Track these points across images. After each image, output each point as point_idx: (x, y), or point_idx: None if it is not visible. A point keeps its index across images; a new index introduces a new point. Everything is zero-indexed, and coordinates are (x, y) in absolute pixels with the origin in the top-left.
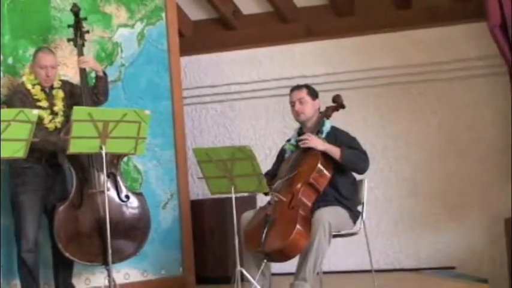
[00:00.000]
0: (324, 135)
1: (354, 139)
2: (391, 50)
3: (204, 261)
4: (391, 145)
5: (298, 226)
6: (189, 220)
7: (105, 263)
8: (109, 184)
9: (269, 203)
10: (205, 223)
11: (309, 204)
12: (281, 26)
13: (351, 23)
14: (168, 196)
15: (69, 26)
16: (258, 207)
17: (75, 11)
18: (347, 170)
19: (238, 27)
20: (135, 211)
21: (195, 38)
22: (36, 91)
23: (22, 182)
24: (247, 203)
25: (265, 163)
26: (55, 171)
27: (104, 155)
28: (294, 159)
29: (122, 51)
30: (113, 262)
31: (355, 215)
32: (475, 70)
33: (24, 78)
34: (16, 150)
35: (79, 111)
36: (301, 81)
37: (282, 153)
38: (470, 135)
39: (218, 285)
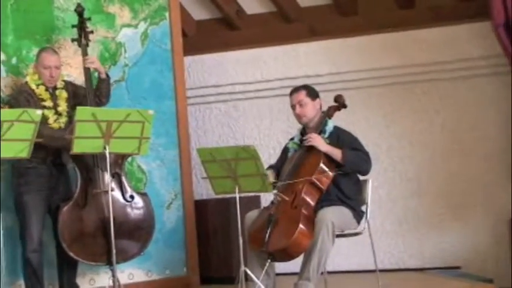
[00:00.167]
0: (326, 135)
1: (356, 139)
2: (394, 50)
3: (208, 261)
4: (395, 145)
5: (301, 225)
6: (193, 220)
7: (109, 263)
8: (114, 184)
9: (272, 202)
10: (210, 223)
11: (312, 203)
12: (285, 26)
13: (354, 23)
14: (172, 196)
15: (73, 26)
16: (262, 207)
17: (79, 11)
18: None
19: (242, 27)
20: (140, 211)
21: (198, 38)
22: (41, 91)
23: (26, 182)
24: (252, 203)
25: (270, 163)
26: (59, 171)
27: (107, 155)
28: (296, 159)
29: (125, 51)
30: (117, 262)
31: (359, 215)
32: (479, 70)
33: (28, 78)
34: (20, 150)
35: (82, 112)
36: (305, 81)
37: (285, 151)
38: (473, 134)
39: (222, 285)
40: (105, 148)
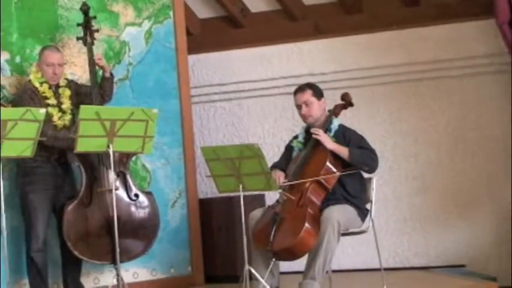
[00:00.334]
0: (332, 134)
1: (362, 138)
2: (399, 48)
3: (213, 260)
4: (400, 143)
5: (306, 224)
6: (197, 219)
7: (114, 261)
8: (119, 183)
9: (278, 201)
10: (214, 222)
11: (318, 202)
12: (289, 24)
13: (359, 21)
14: (176, 195)
15: (78, 25)
16: (266, 205)
17: (85, 9)
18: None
19: (246, 25)
20: (145, 210)
21: (202, 36)
22: (44, 89)
23: (31, 181)
24: (256, 201)
25: (274, 161)
26: (64, 169)
27: (111, 153)
28: (302, 158)
29: (129, 49)
30: (122, 261)
31: (363, 213)
32: (484, 67)
33: (31, 77)
34: (23, 149)
35: (86, 110)
36: (310, 79)
37: (288, 149)
38: (479, 132)
39: (227, 284)
40: (108, 147)
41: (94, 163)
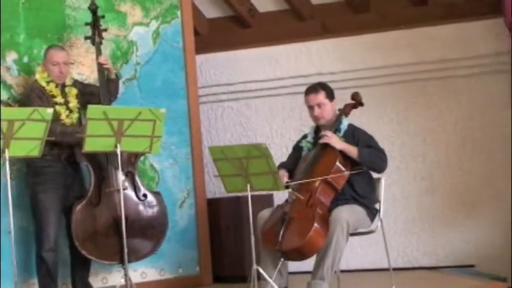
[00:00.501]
0: (341, 134)
1: (371, 138)
2: (407, 47)
3: (221, 259)
4: (408, 142)
5: (316, 224)
6: (205, 218)
7: (122, 261)
8: (127, 183)
9: (287, 201)
10: (222, 221)
11: (327, 202)
12: (297, 24)
13: (366, 20)
14: (184, 195)
15: (86, 24)
16: (275, 205)
17: (93, 9)
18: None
19: (254, 25)
20: (153, 210)
21: (210, 36)
22: (51, 88)
23: (42, 181)
24: (264, 201)
25: (282, 161)
26: (73, 169)
27: (118, 153)
28: (312, 157)
29: (137, 49)
30: (130, 261)
31: (372, 213)
32: (491, 67)
33: (37, 76)
34: (31, 149)
35: (93, 110)
36: (318, 79)
37: (297, 149)
38: (487, 132)
39: (235, 284)
40: (116, 147)
41: (102, 163)
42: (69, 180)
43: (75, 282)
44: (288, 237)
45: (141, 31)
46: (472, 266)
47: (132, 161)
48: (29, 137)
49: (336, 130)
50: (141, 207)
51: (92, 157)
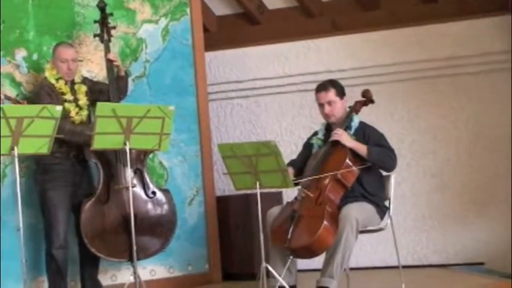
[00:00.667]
0: (352, 132)
1: (382, 136)
2: (417, 44)
3: (230, 257)
4: (418, 140)
5: (325, 222)
6: (214, 216)
7: (131, 259)
8: (136, 180)
9: (296, 198)
10: (231, 219)
11: (336, 200)
12: (306, 21)
13: (376, 17)
14: (193, 192)
15: (95, 22)
16: (284, 202)
17: (102, 6)
18: (374, 167)
19: (263, 22)
20: (162, 207)
21: (219, 33)
22: (61, 85)
23: (51, 179)
24: (274, 198)
25: (291, 158)
26: (82, 167)
27: (127, 151)
28: (321, 155)
29: (146, 47)
30: (139, 258)
31: (382, 211)
32: (502, 64)
33: (46, 74)
34: (40, 146)
35: (102, 107)
36: (327, 76)
37: (307, 146)
38: (497, 130)
39: (244, 282)
40: (125, 144)
41: (111, 160)
42: (77, 178)
43: (84, 279)
44: (297, 234)
45: (150, 28)
46: (481, 263)
47: (141, 158)
48: (38, 135)
49: (347, 127)
50: (150, 204)
51: (101, 154)
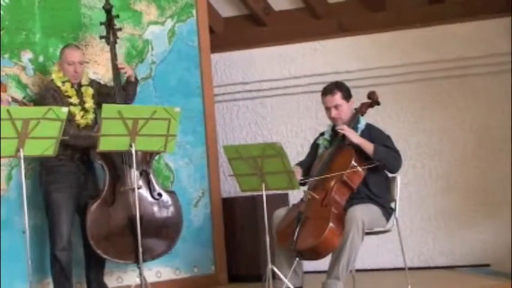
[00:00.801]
0: (358, 133)
1: (388, 137)
2: (423, 45)
3: (236, 259)
4: (425, 141)
5: (331, 224)
6: (220, 218)
7: (137, 261)
8: (141, 182)
9: (302, 200)
10: (237, 221)
11: (342, 202)
12: (313, 22)
13: (383, 18)
14: (199, 194)
15: (101, 24)
16: (290, 204)
17: (108, 8)
18: (379, 168)
19: (270, 23)
20: (168, 209)
21: (226, 35)
22: (67, 88)
23: (55, 180)
24: (279, 200)
25: (297, 160)
26: (87, 168)
27: (133, 152)
28: (327, 157)
29: (152, 48)
30: (145, 260)
31: (387, 212)
32: (510, 65)
33: (53, 76)
34: (46, 148)
35: (108, 109)
36: (334, 78)
37: (315, 147)
38: (504, 131)
39: (250, 284)
40: (131, 146)
41: (117, 162)
42: (82, 180)
43: (90, 281)
44: (303, 236)
45: (156, 30)
46: (488, 265)
47: (147, 159)
48: (44, 136)
49: (353, 129)
50: (155, 206)
51: (107, 156)
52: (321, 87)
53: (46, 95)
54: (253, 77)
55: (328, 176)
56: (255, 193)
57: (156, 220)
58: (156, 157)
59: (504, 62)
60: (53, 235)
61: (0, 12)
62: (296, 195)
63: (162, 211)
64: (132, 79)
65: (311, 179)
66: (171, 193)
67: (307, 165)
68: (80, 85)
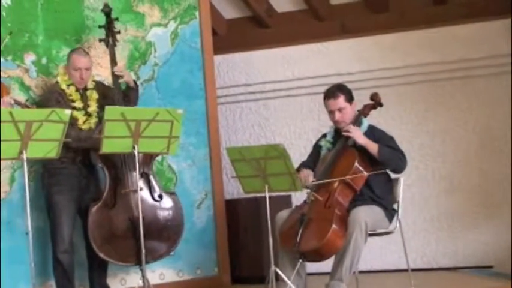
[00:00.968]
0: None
1: (391, 138)
2: (426, 47)
3: (239, 261)
4: (428, 142)
5: (334, 225)
6: (223, 219)
7: (138, 263)
8: (142, 184)
9: (305, 201)
10: (240, 222)
11: (345, 203)
12: (315, 24)
13: (386, 20)
14: (202, 195)
15: (100, 27)
16: (293, 206)
17: (107, 11)
18: (384, 168)
19: (272, 25)
20: (169, 211)
21: (228, 37)
22: (71, 91)
23: (57, 182)
24: (282, 202)
25: (300, 162)
26: (89, 171)
27: (136, 154)
28: (330, 159)
29: (155, 50)
30: (147, 262)
31: (390, 214)
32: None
33: (58, 79)
34: (49, 150)
35: (111, 111)
36: (337, 79)
37: (316, 148)
38: (507, 132)
39: (253, 285)
40: (134, 148)
41: (117, 164)
42: (83, 182)
43: (93, 283)
44: (306, 238)
45: (159, 32)
46: (490, 267)
47: (147, 161)
48: (47, 138)
49: None
50: (156, 208)
51: (107, 159)
52: (323, 89)
53: (50, 98)
54: (256, 79)
55: (334, 179)
56: (258, 195)
57: (157, 222)
58: (159, 159)
59: (506, 63)
60: (55, 237)
61: (2, 14)
62: (299, 197)
63: (163, 213)
64: (132, 85)
65: (317, 183)
66: (171, 194)
67: (309, 166)
68: (85, 89)
